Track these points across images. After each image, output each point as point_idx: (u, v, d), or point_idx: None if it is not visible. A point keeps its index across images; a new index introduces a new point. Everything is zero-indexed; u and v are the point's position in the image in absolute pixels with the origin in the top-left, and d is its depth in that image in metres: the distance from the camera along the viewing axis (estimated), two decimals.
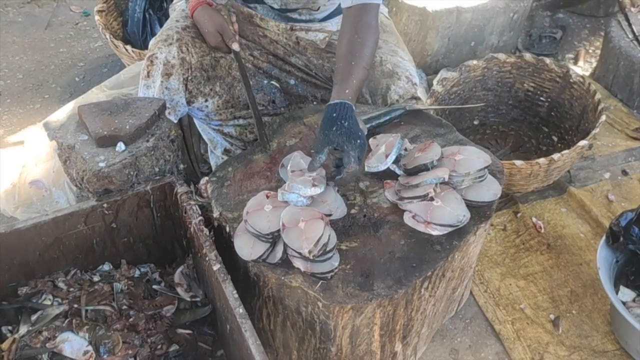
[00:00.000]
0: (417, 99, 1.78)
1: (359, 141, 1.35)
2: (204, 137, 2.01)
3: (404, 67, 1.76)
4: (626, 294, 1.66)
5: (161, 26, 2.75)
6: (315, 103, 1.83)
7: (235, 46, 1.71)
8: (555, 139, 2.36)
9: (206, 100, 1.78)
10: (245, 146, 1.89)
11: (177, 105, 1.75)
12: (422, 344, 1.58)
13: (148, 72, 1.72)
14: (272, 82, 1.81)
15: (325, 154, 1.34)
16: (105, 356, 1.36)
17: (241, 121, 1.85)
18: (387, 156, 1.44)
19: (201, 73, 1.74)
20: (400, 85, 1.74)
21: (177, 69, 1.70)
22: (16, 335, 1.36)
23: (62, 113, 2.15)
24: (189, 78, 1.72)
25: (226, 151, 1.96)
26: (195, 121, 1.97)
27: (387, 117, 1.62)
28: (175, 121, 1.77)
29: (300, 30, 1.81)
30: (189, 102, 1.77)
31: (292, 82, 1.84)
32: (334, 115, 1.38)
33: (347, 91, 1.43)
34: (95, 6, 2.75)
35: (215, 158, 2.02)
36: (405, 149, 1.48)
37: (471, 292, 1.84)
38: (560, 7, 3.16)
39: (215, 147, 1.98)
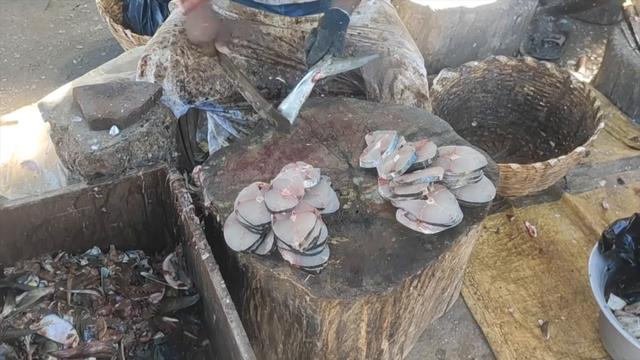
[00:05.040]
0: (423, 96, 1.78)
1: (346, 53, 1.69)
2: (210, 121, 2.00)
3: (411, 57, 1.77)
4: (616, 302, 1.66)
5: (162, 12, 2.73)
6: (322, 95, 1.81)
7: (225, 50, 1.66)
8: (552, 144, 2.36)
9: (206, 99, 1.77)
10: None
11: (175, 104, 1.74)
12: (409, 343, 1.58)
13: (142, 72, 1.73)
14: (277, 77, 1.79)
15: (325, 52, 1.56)
16: (89, 341, 1.35)
17: (245, 106, 1.83)
18: (382, 152, 1.43)
19: (198, 74, 1.73)
20: (407, 75, 1.75)
21: (169, 72, 1.70)
22: (0, 316, 1.34)
23: (58, 94, 2.13)
24: (186, 80, 1.72)
25: (229, 140, 1.95)
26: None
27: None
28: (177, 118, 1.76)
29: (306, 22, 1.80)
30: (190, 102, 1.76)
31: (297, 77, 1.82)
32: (340, 23, 1.60)
33: (352, 6, 1.67)
34: None
35: (215, 144, 2.00)
36: (402, 146, 1.47)
37: (461, 294, 1.84)
38: (564, 13, 3.15)
39: (220, 132, 1.97)
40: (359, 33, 1.80)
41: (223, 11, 1.80)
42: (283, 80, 1.79)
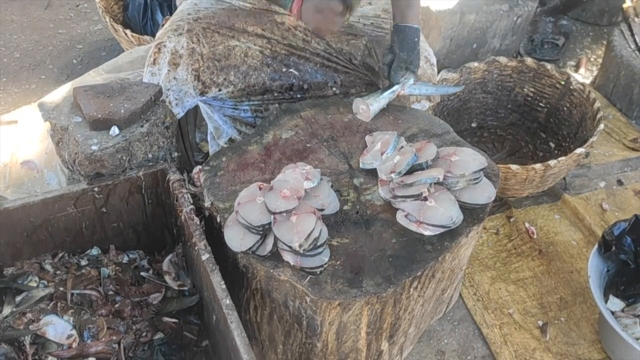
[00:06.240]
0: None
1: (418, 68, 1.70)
2: (210, 125, 1.99)
3: (423, 47, 1.80)
4: (615, 303, 1.66)
5: (162, 13, 2.73)
6: (334, 89, 1.81)
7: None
8: (552, 145, 2.36)
9: (220, 90, 1.75)
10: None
11: (185, 95, 1.72)
12: (409, 344, 1.58)
13: (154, 60, 1.69)
14: (291, 69, 1.79)
15: (404, 69, 1.63)
16: (89, 341, 1.35)
17: (256, 102, 1.83)
18: (382, 154, 1.43)
19: (213, 63, 1.71)
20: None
21: (185, 59, 1.68)
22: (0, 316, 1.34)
23: (58, 94, 2.13)
24: (201, 69, 1.70)
25: (230, 141, 1.94)
26: (203, 108, 1.94)
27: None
28: (183, 113, 1.75)
29: None
30: (202, 93, 1.74)
31: (310, 68, 1.82)
32: (415, 39, 1.63)
33: (419, 17, 1.67)
34: None
35: (215, 146, 1.99)
36: (402, 147, 1.47)
37: (460, 295, 1.84)
38: (561, 12, 3.15)
39: (220, 136, 1.96)
40: (372, 23, 1.82)
41: (236, 1, 1.79)
42: (297, 73, 1.78)
